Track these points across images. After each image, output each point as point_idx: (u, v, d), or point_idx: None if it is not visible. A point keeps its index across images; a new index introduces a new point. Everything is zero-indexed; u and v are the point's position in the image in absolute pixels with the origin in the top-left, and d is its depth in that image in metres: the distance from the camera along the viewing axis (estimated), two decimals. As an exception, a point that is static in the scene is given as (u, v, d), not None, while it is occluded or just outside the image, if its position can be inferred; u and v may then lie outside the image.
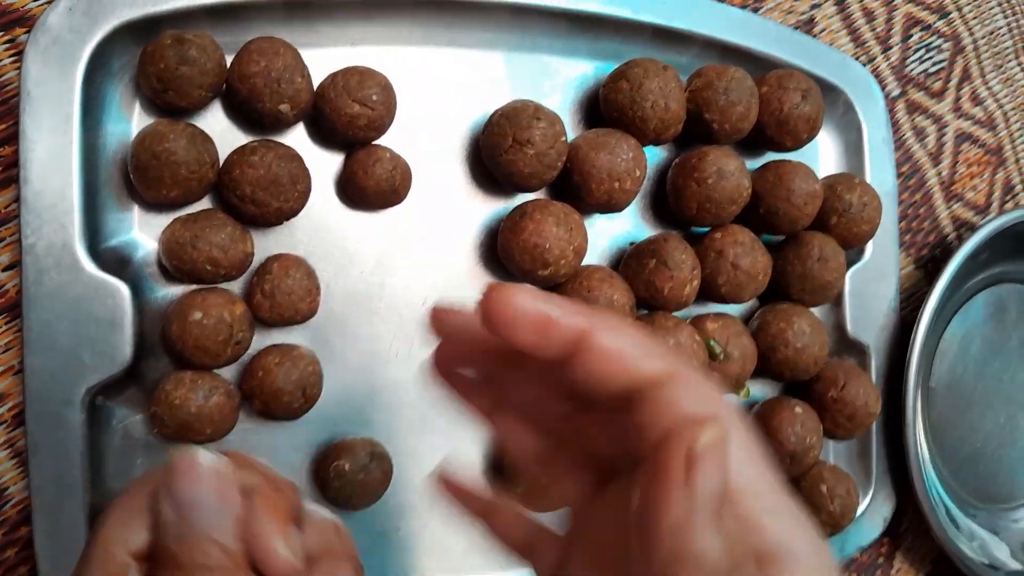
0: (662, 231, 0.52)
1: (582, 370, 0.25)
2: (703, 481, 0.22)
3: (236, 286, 0.45)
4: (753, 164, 0.53)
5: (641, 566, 0.23)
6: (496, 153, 0.46)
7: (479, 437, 0.49)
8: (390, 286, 0.48)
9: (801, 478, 0.52)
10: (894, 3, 0.60)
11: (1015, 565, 0.63)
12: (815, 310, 0.54)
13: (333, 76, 0.44)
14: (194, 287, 0.44)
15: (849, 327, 0.57)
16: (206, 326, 0.41)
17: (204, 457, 0.25)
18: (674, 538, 0.22)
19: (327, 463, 0.45)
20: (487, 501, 0.32)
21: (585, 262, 0.48)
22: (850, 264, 0.55)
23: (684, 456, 0.22)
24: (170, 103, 0.42)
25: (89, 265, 0.41)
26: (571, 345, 0.25)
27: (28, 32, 0.43)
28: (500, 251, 0.47)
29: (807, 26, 0.58)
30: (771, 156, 0.54)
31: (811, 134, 0.52)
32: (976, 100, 0.64)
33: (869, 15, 0.60)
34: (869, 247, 0.57)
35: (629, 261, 0.50)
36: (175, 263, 0.42)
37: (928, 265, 0.63)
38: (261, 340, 0.45)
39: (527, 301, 0.25)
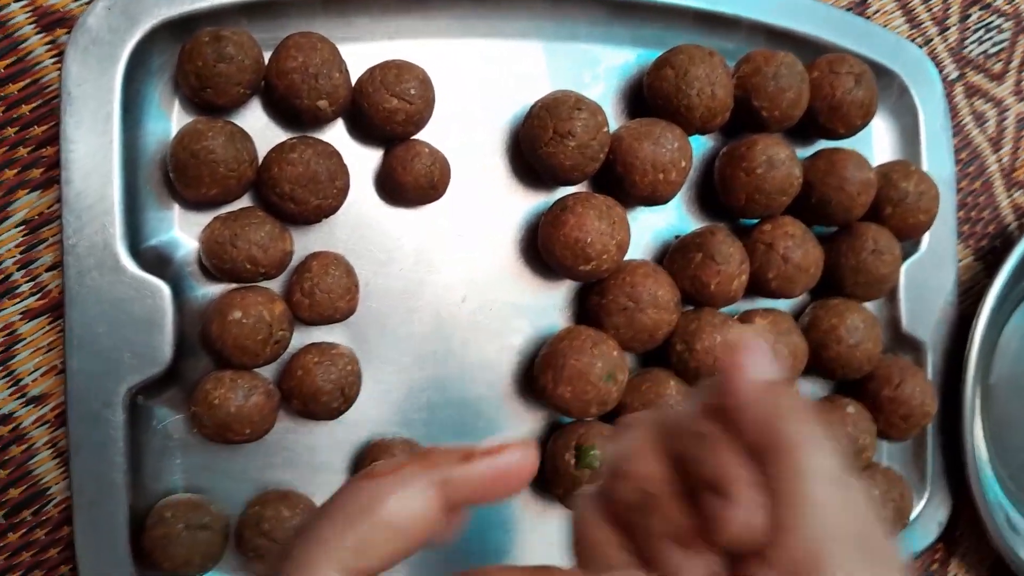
0: (708, 224, 0.51)
1: None
2: None
3: (275, 284, 0.44)
4: (803, 152, 0.51)
5: None
6: (537, 145, 0.45)
7: (518, 437, 0.48)
8: (429, 283, 0.47)
9: (854, 479, 0.51)
10: (951, -19, 0.57)
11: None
12: (869, 305, 0.52)
13: (371, 70, 0.44)
14: (234, 286, 0.43)
15: (904, 322, 0.54)
16: (245, 325, 0.41)
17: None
18: None
19: (365, 463, 0.44)
20: None
21: (628, 256, 0.47)
22: (905, 256, 0.53)
23: None
24: (209, 101, 0.41)
25: (130, 265, 0.41)
26: None
27: (68, 33, 0.43)
28: (541, 246, 0.46)
29: (860, 7, 0.56)
30: (822, 144, 0.52)
31: (864, 120, 0.50)
32: (1039, 82, 0.62)
33: (925, -6, 0.57)
34: (925, 238, 0.54)
35: (674, 255, 0.49)
36: (215, 262, 0.42)
37: (988, 256, 0.60)
38: (300, 338, 0.45)
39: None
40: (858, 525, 0.24)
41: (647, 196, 0.46)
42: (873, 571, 0.23)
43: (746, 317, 0.49)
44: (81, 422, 0.41)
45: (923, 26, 0.57)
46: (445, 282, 0.47)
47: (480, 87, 0.48)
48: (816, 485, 0.23)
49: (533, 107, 0.46)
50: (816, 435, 0.24)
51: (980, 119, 0.59)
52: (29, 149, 0.43)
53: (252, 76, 0.42)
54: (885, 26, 0.56)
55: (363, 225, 0.46)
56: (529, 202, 0.49)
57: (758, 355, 0.26)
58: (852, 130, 0.50)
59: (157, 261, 0.43)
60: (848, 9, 0.55)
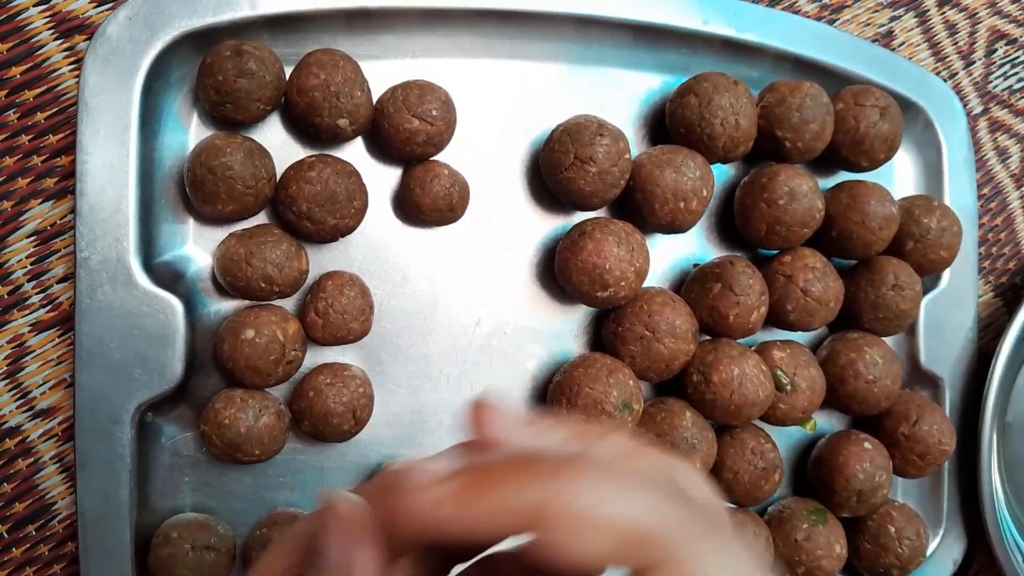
0: (727, 253, 0.50)
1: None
2: None
3: (289, 303, 0.44)
4: (824, 182, 0.51)
5: None
6: (557, 170, 0.44)
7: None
8: (443, 305, 0.47)
9: (868, 518, 0.50)
10: (977, 16, 0.57)
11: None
12: (887, 340, 0.51)
13: (393, 90, 0.43)
14: (247, 303, 0.43)
15: (923, 358, 0.54)
16: (258, 345, 0.40)
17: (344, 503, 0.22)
18: None
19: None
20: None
21: (645, 284, 0.46)
22: (925, 291, 0.53)
23: None
24: (228, 116, 0.41)
25: (143, 280, 0.41)
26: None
27: (88, 40, 0.42)
28: (557, 271, 0.46)
29: (885, 39, 0.55)
30: (843, 175, 0.52)
31: (888, 154, 0.49)
32: (1063, 118, 0.61)
33: (951, 28, 0.57)
34: (946, 274, 0.53)
35: (692, 284, 0.48)
36: (229, 279, 0.41)
37: (1008, 293, 0.59)
38: (312, 357, 0.44)
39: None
40: None
41: (667, 224, 0.46)
42: None
43: (763, 349, 0.48)
44: (89, 437, 0.40)
45: (948, 60, 0.57)
46: (460, 304, 0.47)
47: (502, 108, 0.47)
48: None
49: (554, 131, 0.45)
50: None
51: (1003, 154, 0.58)
52: (43, 158, 0.43)
53: (273, 92, 0.41)
54: (910, 59, 0.56)
55: (379, 245, 0.46)
56: (547, 226, 0.48)
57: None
58: (875, 164, 0.49)
59: (170, 276, 0.42)
60: (874, 41, 0.55)
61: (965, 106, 0.56)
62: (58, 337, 0.43)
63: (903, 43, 0.56)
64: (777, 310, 0.48)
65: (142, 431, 0.41)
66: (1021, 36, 0.58)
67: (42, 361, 0.43)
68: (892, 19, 0.55)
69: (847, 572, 0.51)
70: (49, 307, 0.43)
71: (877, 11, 0.55)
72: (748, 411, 0.45)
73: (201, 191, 0.41)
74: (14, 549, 0.42)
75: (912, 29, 0.56)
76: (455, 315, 0.47)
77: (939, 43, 0.57)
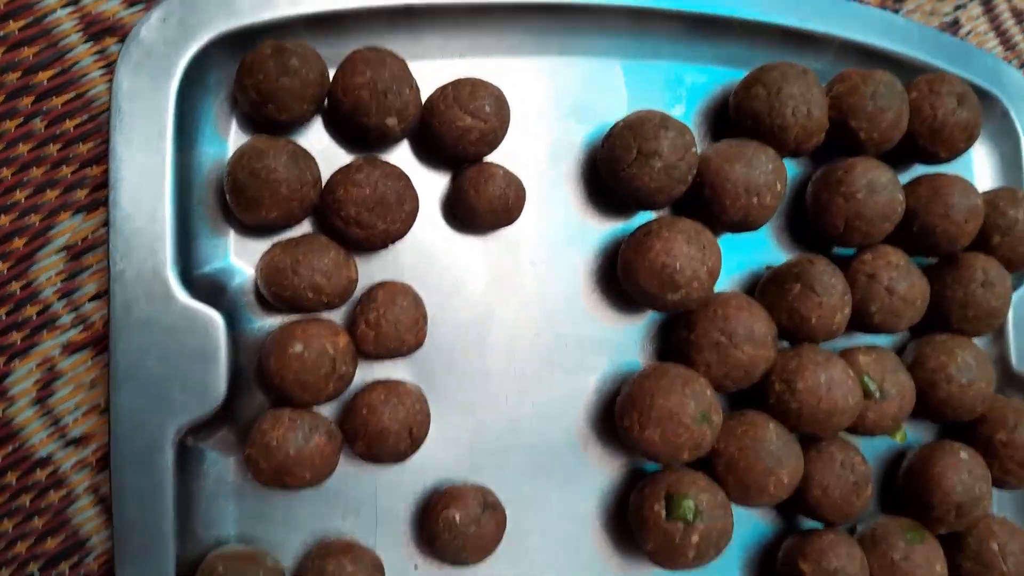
0: (802, 253, 0.47)
1: None
2: None
3: (336, 316, 0.41)
4: (900, 176, 0.47)
5: None
6: (619, 167, 0.41)
7: (596, 486, 0.44)
8: (500, 316, 0.44)
9: (967, 534, 0.46)
10: (1046, 1, 0.54)
11: None
12: (976, 341, 0.47)
13: (443, 88, 0.41)
14: (293, 317, 0.40)
15: (1014, 360, 0.50)
16: (307, 359, 0.37)
17: None
18: None
19: (434, 513, 0.40)
20: None
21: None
22: (1014, 288, 0.49)
23: None
24: (270, 117, 0.39)
25: (181, 294, 0.38)
26: None
27: (120, 42, 0.40)
28: (621, 274, 0.43)
29: (951, 28, 0.53)
30: (919, 168, 0.49)
31: (968, 143, 0.46)
32: None
33: (1019, 16, 0.54)
34: (1033, 269, 0.50)
35: (767, 286, 0.45)
36: (274, 290, 0.38)
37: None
38: (361, 374, 0.41)
39: None
40: None
41: (739, 221, 0.43)
42: None
43: (846, 354, 0.44)
44: (126, 466, 0.37)
45: (1018, 48, 0.54)
46: (517, 314, 0.44)
47: (555, 106, 0.45)
48: None
49: (615, 127, 0.42)
50: None
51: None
52: (73, 169, 0.40)
53: (316, 91, 0.39)
54: (978, 47, 0.53)
55: (430, 252, 0.43)
56: (606, 228, 0.45)
57: None
58: (954, 153, 0.46)
59: (210, 290, 0.39)
60: (940, 31, 0.52)
61: (1039, 94, 0.53)
62: (91, 359, 0.40)
63: (970, 32, 0.53)
64: (860, 311, 0.44)
65: (182, 457, 0.38)
66: (1093, 21, 0.55)
67: (74, 385, 0.40)
68: (957, 7, 0.53)
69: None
70: (81, 327, 0.40)
71: (942, 0, 0.52)
72: (837, 420, 0.41)
73: (243, 197, 0.38)
74: (46, 590, 0.39)
75: (979, 17, 0.53)
76: (512, 326, 0.44)
77: (1007, 31, 0.54)
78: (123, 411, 0.37)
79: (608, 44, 0.45)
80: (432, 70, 0.42)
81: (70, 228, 0.40)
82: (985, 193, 0.48)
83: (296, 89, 0.38)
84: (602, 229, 0.45)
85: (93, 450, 0.40)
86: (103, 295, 0.40)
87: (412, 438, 0.39)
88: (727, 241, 0.46)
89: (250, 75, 0.38)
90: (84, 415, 0.40)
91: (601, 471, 0.44)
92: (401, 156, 0.43)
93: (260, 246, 0.40)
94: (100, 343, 0.40)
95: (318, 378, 0.37)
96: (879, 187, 0.43)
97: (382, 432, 0.38)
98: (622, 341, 0.45)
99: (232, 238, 0.41)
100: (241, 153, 0.38)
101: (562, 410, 0.44)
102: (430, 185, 0.43)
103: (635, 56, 0.46)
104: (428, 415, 0.40)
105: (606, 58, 0.46)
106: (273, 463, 0.37)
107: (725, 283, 0.47)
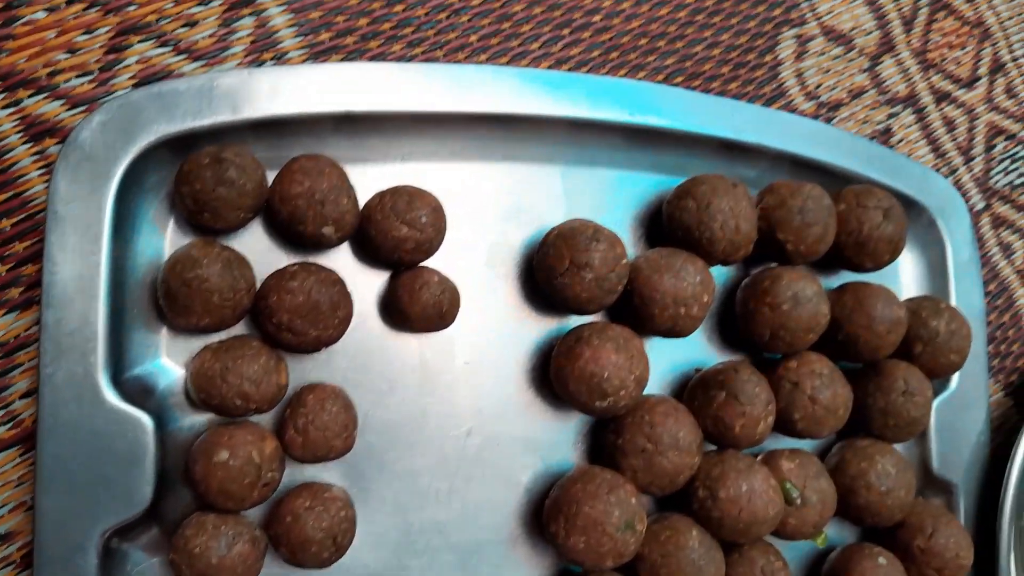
0: (730, 358, 0.48)
1: None
2: None
3: (266, 417, 0.41)
4: (827, 282, 0.49)
5: None
6: (552, 276, 0.42)
7: (526, 583, 0.45)
8: (433, 415, 0.44)
9: (886, 637, 0.47)
10: (975, 112, 0.56)
11: None
12: (898, 446, 0.49)
13: (380, 196, 0.41)
14: (221, 420, 0.40)
15: (935, 464, 0.51)
16: (232, 468, 0.37)
17: None
18: None
19: (359, 617, 0.40)
20: None
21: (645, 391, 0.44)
22: (935, 394, 0.50)
23: None
24: (206, 224, 0.39)
25: (111, 397, 0.38)
26: None
27: (60, 143, 0.41)
28: (553, 379, 0.44)
29: (883, 136, 0.55)
30: (846, 275, 0.50)
31: (893, 256, 0.48)
32: (1064, 211, 0.60)
33: (950, 124, 0.56)
34: (956, 376, 0.52)
35: (695, 391, 0.46)
36: (203, 396, 0.39)
37: (1018, 392, 0.57)
38: (291, 473, 0.41)
39: None
40: None
41: (667, 330, 0.44)
42: None
43: (771, 459, 0.46)
44: (49, 566, 0.37)
45: (948, 156, 0.56)
46: (449, 413, 0.44)
47: (494, 209, 0.46)
48: None
49: (549, 235, 0.44)
50: None
51: (1007, 250, 0.57)
52: (8, 267, 0.40)
53: (254, 200, 0.39)
54: (910, 155, 0.55)
55: (364, 352, 0.43)
56: (542, 329, 0.46)
57: None
58: (880, 265, 0.48)
59: (140, 391, 0.40)
60: (872, 138, 0.54)
61: (967, 202, 0.55)
62: (19, 456, 0.40)
63: (902, 140, 0.55)
64: (784, 418, 0.45)
65: (107, 558, 0.38)
66: (1020, 131, 0.57)
67: (2, 482, 0.40)
68: (890, 116, 0.55)
69: None
70: (10, 424, 0.40)
71: (874, 108, 0.54)
72: (757, 529, 0.42)
73: (175, 304, 0.38)
74: None
75: (911, 126, 0.55)
76: (444, 425, 0.44)
77: (938, 139, 0.56)
78: (48, 512, 0.37)
79: (548, 151, 0.46)
80: (374, 173, 0.43)
81: (3, 326, 0.40)
82: (909, 301, 0.50)
83: (233, 199, 0.38)
84: (537, 330, 0.46)
85: (18, 547, 0.40)
86: (33, 393, 0.40)
87: (336, 546, 0.39)
88: (658, 342, 0.47)
89: (187, 183, 0.38)
90: (10, 512, 0.40)
91: (530, 571, 0.45)
92: (339, 257, 0.43)
93: (192, 344, 0.41)
94: (29, 440, 0.40)
95: (243, 487, 0.38)
96: (804, 299, 0.44)
97: (305, 541, 0.38)
98: (554, 440, 0.46)
99: (164, 338, 0.41)
100: (174, 261, 0.38)
101: (492, 509, 0.45)
102: (368, 284, 0.44)
103: (574, 163, 0.47)
104: (354, 521, 0.40)
105: (546, 164, 0.47)
106: (196, 570, 0.37)
107: (655, 383, 0.48)
